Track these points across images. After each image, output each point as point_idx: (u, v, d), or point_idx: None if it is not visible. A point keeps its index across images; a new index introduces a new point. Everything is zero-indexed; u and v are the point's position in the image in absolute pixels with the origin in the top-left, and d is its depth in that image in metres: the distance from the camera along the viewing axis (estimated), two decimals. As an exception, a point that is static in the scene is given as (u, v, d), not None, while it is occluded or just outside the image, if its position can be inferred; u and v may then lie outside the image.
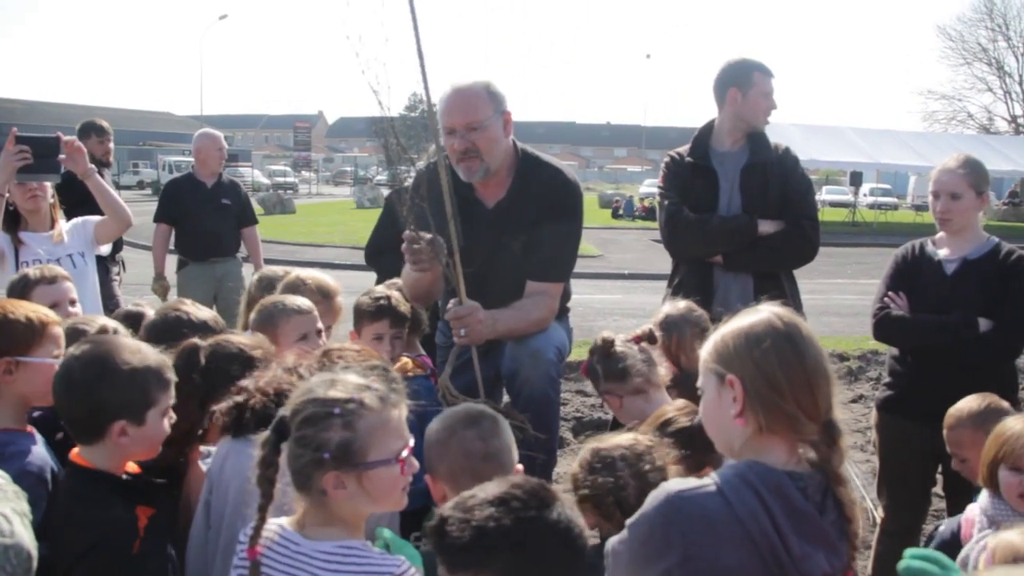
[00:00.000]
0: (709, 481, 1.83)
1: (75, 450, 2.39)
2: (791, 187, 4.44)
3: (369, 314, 3.58)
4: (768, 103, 4.44)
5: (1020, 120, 51.21)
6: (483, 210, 3.58)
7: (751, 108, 4.42)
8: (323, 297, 3.63)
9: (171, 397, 2.42)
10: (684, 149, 4.59)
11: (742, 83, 4.41)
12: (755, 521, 1.74)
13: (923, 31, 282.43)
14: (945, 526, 2.95)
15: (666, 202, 4.50)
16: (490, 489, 1.85)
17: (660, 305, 3.81)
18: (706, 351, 2.00)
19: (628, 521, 1.86)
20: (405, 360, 3.74)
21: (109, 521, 2.26)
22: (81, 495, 2.29)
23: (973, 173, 3.85)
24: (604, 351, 3.19)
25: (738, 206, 4.39)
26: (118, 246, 7.50)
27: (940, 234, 4.00)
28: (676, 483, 1.85)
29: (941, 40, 72.38)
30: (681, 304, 3.75)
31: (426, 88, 3.09)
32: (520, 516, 1.78)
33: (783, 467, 1.85)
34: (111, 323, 3.13)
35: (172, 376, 2.44)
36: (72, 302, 3.57)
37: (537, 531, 1.78)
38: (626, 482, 2.33)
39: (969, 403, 3.17)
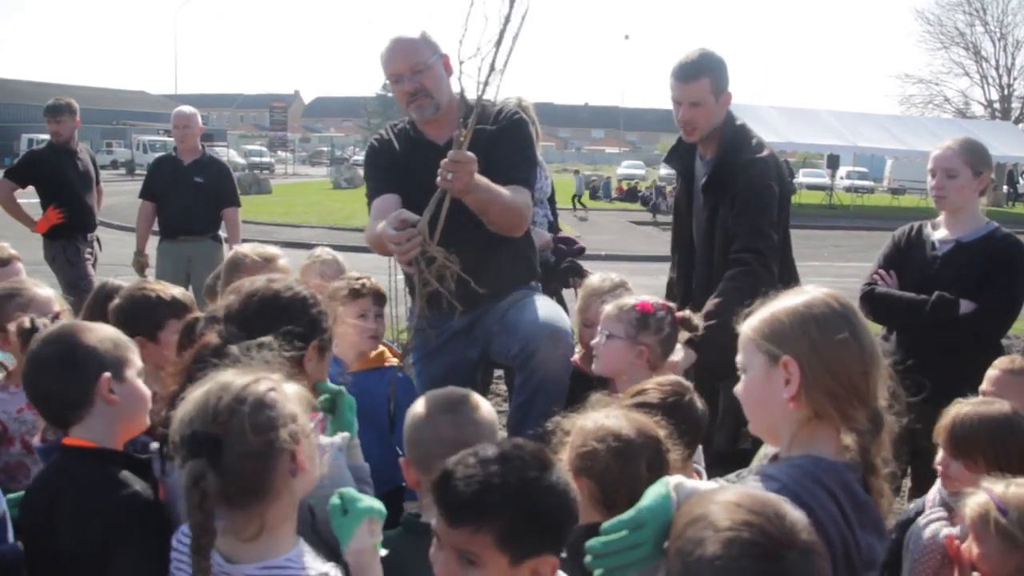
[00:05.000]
0: (760, 482, 1.74)
1: (65, 439, 2.23)
2: (736, 212, 3.80)
3: (353, 292, 3.58)
4: (676, 111, 3.95)
5: (996, 105, 51.53)
6: (436, 149, 3.54)
7: None
8: (265, 262, 3.65)
9: (139, 361, 2.34)
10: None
11: None
12: (834, 522, 1.68)
13: (901, 14, 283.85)
14: (912, 505, 2.97)
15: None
16: (491, 449, 1.84)
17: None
18: (752, 328, 1.87)
19: None
20: (383, 348, 3.78)
21: (133, 500, 2.11)
22: (90, 479, 2.13)
23: (970, 152, 3.86)
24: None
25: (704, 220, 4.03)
26: (92, 225, 7.42)
27: (940, 216, 4.01)
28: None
29: (919, 24, 72.35)
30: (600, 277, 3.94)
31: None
32: (523, 475, 1.79)
33: (835, 457, 1.79)
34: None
35: (133, 344, 2.36)
36: None
37: (538, 491, 1.79)
38: (643, 479, 2.07)
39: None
